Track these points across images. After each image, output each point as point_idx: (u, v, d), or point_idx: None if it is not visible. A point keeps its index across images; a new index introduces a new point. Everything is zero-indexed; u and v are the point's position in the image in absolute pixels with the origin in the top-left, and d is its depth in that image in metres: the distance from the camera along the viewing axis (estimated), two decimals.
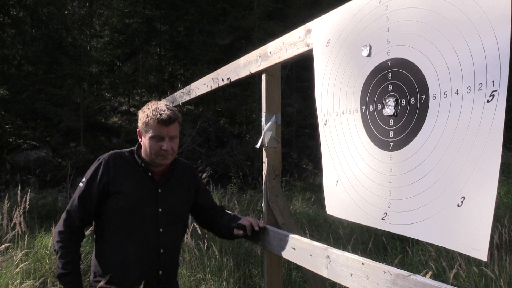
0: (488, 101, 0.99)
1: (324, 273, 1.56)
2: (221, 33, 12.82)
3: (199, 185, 2.21)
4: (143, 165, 1.97)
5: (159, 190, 1.98)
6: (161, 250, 1.95)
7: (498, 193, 6.63)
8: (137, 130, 1.99)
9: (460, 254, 3.74)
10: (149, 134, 1.90)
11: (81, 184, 1.94)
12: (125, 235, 1.91)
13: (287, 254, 1.79)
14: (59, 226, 1.92)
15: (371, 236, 4.86)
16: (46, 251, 4.10)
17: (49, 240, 4.20)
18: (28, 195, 4.09)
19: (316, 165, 12.45)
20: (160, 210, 1.96)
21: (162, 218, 1.96)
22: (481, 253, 0.99)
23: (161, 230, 1.95)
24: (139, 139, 1.99)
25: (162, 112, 1.89)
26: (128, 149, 2.04)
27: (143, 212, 1.93)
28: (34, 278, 3.66)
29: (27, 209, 3.92)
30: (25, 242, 3.93)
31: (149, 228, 1.93)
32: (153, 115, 1.88)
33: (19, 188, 4.62)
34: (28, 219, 5.97)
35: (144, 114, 1.92)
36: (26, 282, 3.32)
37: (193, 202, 2.17)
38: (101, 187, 1.90)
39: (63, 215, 1.93)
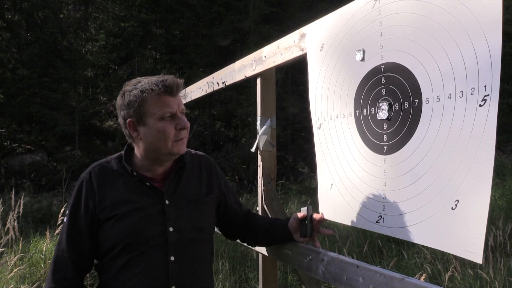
0: (480, 106, 1.00)
1: (319, 276, 1.56)
2: (216, 37, 12.84)
3: (222, 182, 1.67)
4: (134, 173, 1.44)
5: (166, 202, 1.45)
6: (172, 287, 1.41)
7: (493, 196, 6.67)
8: (127, 121, 1.40)
9: (455, 256, 3.75)
10: (155, 116, 1.38)
11: (65, 219, 1.46)
12: (123, 269, 1.40)
13: (282, 257, 1.80)
14: (47, 282, 1.42)
15: (367, 239, 4.87)
16: (41, 256, 4.08)
17: (44, 245, 4.18)
18: (22, 199, 4.07)
19: (312, 168, 12.46)
20: (170, 229, 1.42)
21: (173, 241, 1.42)
22: (476, 255, 1.00)
23: (172, 258, 1.42)
24: (133, 134, 1.42)
25: (163, 79, 1.40)
26: (115, 155, 1.53)
27: (147, 237, 1.40)
28: (29, 282, 3.64)
29: (21, 213, 3.90)
30: (20, 247, 3.91)
31: (153, 257, 1.40)
32: (152, 86, 1.37)
33: (13, 192, 4.60)
34: (23, 224, 5.94)
35: (134, 93, 1.38)
36: (20, 287, 3.30)
37: (217, 208, 1.63)
38: (89, 217, 1.41)
39: (51, 266, 1.43)
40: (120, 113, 1.44)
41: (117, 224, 1.39)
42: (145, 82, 1.40)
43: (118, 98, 1.46)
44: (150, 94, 1.37)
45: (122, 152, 1.51)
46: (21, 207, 3.87)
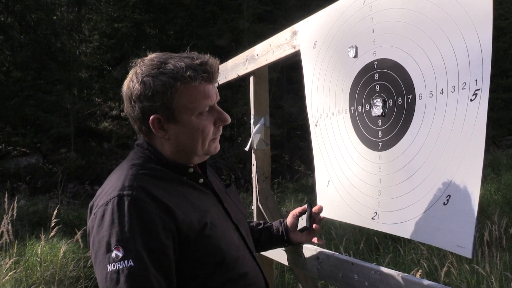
0: (471, 100, 1.00)
1: (315, 274, 1.56)
2: (211, 36, 12.82)
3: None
4: (191, 170, 1.16)
5: (220, 197, 1.23)
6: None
7: (488, 191, 6.69)
8: (151, 118, 1.08)
9: (451, 252, 3.77)
10: (192, 111, 1.09)
11: (126, 263, 0.93)
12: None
13: (278, 256, 1.79)
14: None
15: (363, 236, 4.87)
16: (37, 259, 4.06)
17: (39, 248, 4.16)
18: (15, 202, 4.05)
19: (308, 166, 12.47)
20: (240, 227, 1.23)
21: (246, 237, 1.25)
22: (466, 250, 1.00)
23: (255, 254, 1.27)
24: (158, 133, 1.11)
25: (202, 60, 1.09)
26: (136, 162, 1.12)
27: (233, 244, 1.15)
28: (25, 286, 3.62)
29: (15, 216, 3.88)
30: (14, 250, 3.89)
31: (248, 263, 1.19)
32: (189, 72, 1.05)
33: (6, 195, 4.57)
34: (19, 227, 5.91)
35: (163, 80, 1.05)
36: None
37: None
38: (171, 242, 1.01)
39: None
40: (134, 104, 1.09)
41: (209, 238, 1.08)
42: (176, 64, 1.06)
43: (131, 84, 1.10)
44: (186, 83, 1.06)
45: (145, 153, 1.14)
46: (15, 210, 3.84)
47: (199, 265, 1.06)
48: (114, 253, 0.94)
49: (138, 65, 1.12)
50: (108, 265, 0.94)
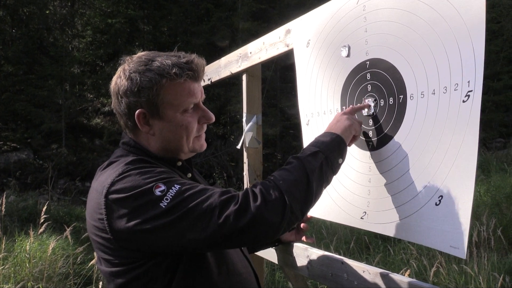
0: (463, 101, 1.00)
1: (305, 273, 1.56)
2: (205, 34, 12.77)
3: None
4: (180, 163, 1.21)
5: None
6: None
7: (478, 192, 6.75)
8: (137, 112, 1.11)
9: (440, 252, 3.79)
10: (176, 108, 1.12)
11: (174, 188, 0.99)
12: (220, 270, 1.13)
13: (268, 255, 1.79)
14: (255, 199, 0.96)
15: (354, 235, 4.89)
16: (26, 255, 4.02)
17: (28, 244, 4.12)
18: (4, 197, 4.01)
19: None
20: None
21: None
22: (460, 251, 1.00)
23: (247, 253, 1.30)
24: (142, 128, 1.13)
25: (188, 59, 1.12)
26: (126, 160, 1.11)
27: None
28: (13, 282, 3.59)
29: (3, 212, 3.84)
30: (3, 246, 3.85)
31: (236, 261, 1.20)
32: (175, 69, 1.08)
33: None
34: (8, 223, 5.86)
35: (149, 76, 1.08)
36: (4, 287, 3.25)
37: None
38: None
39: (223, 201, 0.97)
40: (121, 99, 1.12)
41: None
42: (162, 62, 1.09)
43: (118, 80, 1.13)
44: (172, 80, 1.08)
45: (120, 152, 1.18)
46: (4, 205, 3.81)
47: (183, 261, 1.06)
48: (156, 192, 0.98)
49: (127, 62, 1.15)
50: (160, 204, 0.97)
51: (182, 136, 1.15)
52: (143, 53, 1.16)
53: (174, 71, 1.08)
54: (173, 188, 0.98)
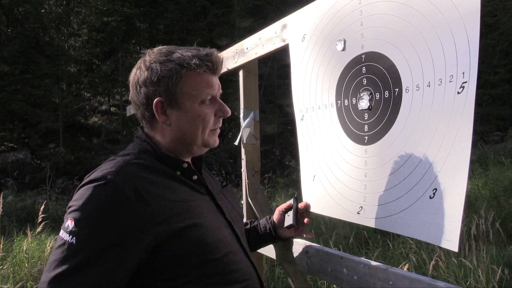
0: (458, 93, 1.00)
1: (304, 268, 1.56)
2: (202, 31, 12.74)
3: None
4: (185, 165, 1.17)
5: (214, 194, 1.24)
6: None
7: (476, 185, 6.77)
8: (155, 101, 1.11)
9: (438, 245, 3.80)
10: (194, 98, 1.13)
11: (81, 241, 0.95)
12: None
13: (268, 251, 1.79)
14: None
15: (353, 230, 4.90)
16: (25, 255, 4.02)
17: (26, 243, 4.11)
18: (1, 197, 3.99)
19: (299, 162, 12.47)
20: (233, 225, 1.23)
21: (237, 236, 1.23)
22: (453, 244, 1.00)
23: (249, 252, 1.27)
24: (159, 117, 1.13)
25: (207, 52, 1.15)
26: (132, 151, 1.14)
27: (223, 240, 1.14)
28: (12, 283, 3.58)
29: (1, 212, 3.83)
30: (1, 246, 3.84)
31: (237, 259, 1.17)
32: (195, 60, 1.11)
33: None
34: (6, 223, 5.85)
35: (169, 66, 1.10)
36: (3, 287, 3.25)
37: None
38: (142, 237, 0.99)
39: None
40: (140, 89, 1.14)
41: (193, 233, 1.06)
42: (183, 54, 1.12)
43: (138, 71, 1.15)
44: (191, 70, 1.11)
45: (131, 146, 1.18)
46: (1, 205, 3.79)
47: (183, 259, 1.04)
48: (67, 222, 0.97)
49: (147, 54, 1.17)
50: (61, 229, 0.98)
51: (198, 127, 1.15)
52: (163, 46, 1.19)
53: (194, 61, 1.11)
54: (71, 236, 0.95)
